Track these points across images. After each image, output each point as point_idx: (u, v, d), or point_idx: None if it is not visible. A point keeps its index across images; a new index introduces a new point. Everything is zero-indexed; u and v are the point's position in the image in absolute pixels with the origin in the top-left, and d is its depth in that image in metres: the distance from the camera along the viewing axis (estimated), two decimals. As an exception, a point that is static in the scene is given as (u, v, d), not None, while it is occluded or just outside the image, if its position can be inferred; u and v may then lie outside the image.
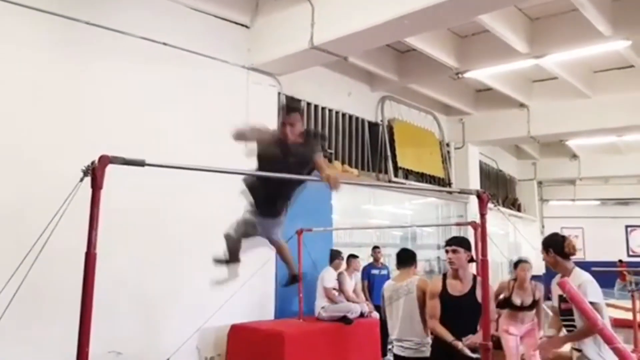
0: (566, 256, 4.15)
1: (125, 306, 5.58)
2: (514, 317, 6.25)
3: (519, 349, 6.23)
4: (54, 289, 4.79)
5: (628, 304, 7.87)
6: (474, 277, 4.32)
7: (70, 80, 5.57)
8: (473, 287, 4.23)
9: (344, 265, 7.56)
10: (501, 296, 6.28)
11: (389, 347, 5.78)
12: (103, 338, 4.75)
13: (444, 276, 4.42)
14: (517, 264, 6.46)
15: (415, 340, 4.59)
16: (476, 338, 4.03)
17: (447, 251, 4.39)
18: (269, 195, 4.05)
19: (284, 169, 3.66)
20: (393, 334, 4.89)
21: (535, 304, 6.26)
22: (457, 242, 4.38)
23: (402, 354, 4.71)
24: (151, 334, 5.82)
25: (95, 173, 2.47)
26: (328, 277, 7.00)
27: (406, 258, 5.10)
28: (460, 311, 4.22)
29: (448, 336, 4.20)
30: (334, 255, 7.25)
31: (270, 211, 4.23)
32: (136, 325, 5.70)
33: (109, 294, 4.77)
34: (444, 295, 4.31)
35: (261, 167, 3.90)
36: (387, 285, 5.13)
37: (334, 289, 7.00)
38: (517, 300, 6.20)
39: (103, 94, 5.79)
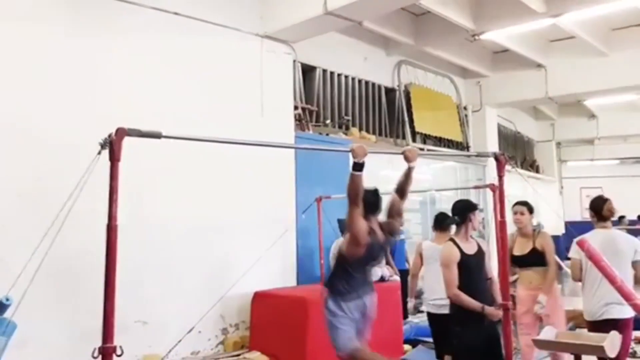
0: (603, 218, 4.59)
1: (150, 277, 5.67)
2: (522, 278, 5.28)
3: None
4: (78, 261, 4.88)
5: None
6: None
7: (84, 54, 5.57)
8: (479, 248, 4.42)
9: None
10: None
11: (417, 305, 5.94)
12: (128, 308, 4.87)
13: (453, 241, 4.43)
14: (513, 206, 5.37)
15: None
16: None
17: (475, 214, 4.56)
18: None
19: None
20: (427, 293, 5.42)
21: (535, 255, 5.12)
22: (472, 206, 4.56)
23: (436, 311, 5.21)
24: (176, 303, 5.93)
25: (112, 146, 2.50)
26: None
27: (443, 221, 5.50)
28: (477, 269, 4.38)
29: (473, 304, 4.24)
30: (342, 224, 7.18)
31: None
32: (161, 295, 5.80)
33: (133, 265, 4.87)
34: (463, 256, 4.33)
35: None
36: (426, 245, 5.58)
37: None
38: (517, 251, 5.23)
39: (116, 66, 5.79)
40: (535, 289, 5.08)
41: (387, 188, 10.08)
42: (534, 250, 5.07)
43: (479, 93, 12.21)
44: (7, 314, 2.78)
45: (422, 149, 10.43)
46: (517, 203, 5.31)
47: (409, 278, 6.13)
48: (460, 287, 4.26)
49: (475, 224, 4.41)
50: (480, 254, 4.34)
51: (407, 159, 4.19)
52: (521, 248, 5.19)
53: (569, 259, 4.87)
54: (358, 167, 3.81)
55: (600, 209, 4.63)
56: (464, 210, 4.46)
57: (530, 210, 5.19)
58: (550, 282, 5.08)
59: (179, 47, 6.35)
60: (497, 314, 4.21)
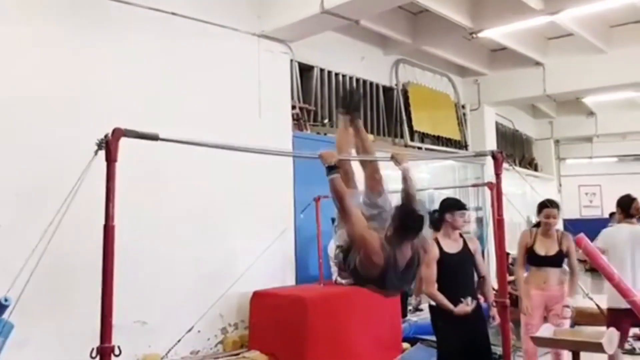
0: (629, 216, 5.02)
1: (149, 277, 5.67)
2: (537, 277, 5.14)
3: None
4: (76, 262, 4.89)
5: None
6: (460, 234, 4.53)
7: (82, 54, 5.57)
8: (465, 246, 4.45)
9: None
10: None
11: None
12: (127, 308, 4.86)
13: (436, 240, 4.49)
14: (542, 207, 5.25)
15: None
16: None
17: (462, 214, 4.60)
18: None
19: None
20: None
21: (561, 257, 5.12)
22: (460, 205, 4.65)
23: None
24: (175, 303, 5.93)
25: (109, 146, 2.50)
26: (332, 249, 6.96)
27: (436, 220, 5.50)
28: (458, 267, 4.43)
29: (445, 303, 4.37)
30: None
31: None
32: (160, 294, 5.80)
33: (132, 265, 4.88)
34: (442, 254, 4.44)
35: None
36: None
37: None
38: (540, 250, 5.11)
39: (113, 66, 5.78)
40: (547, 289, 5.01)
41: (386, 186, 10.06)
42: (560, 252, 5.02)
43: (477, 91, 12.21)
44: (4, 315, 2.77)
45: (420, 148, 10.45)
46: (548, 205, 5.11)
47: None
48: (440, 285, 4.31)
49: (457, 223, 4.45)
50: (464, 252, 4.34)
51: (396, 163, 3.85)
52: (546, 248, 5.11)
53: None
54: (330, 170, 3.48)
55: (628, 206, 5.18)
56: (442, 210, 4.58)
57: (559, 209, 5.22)
58: (575, 284, 5.10)
59: (175, 47, 6.34)
60: (465, 311, 4.24)
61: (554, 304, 5.00)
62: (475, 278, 4.59)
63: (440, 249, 4.41)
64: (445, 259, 4.38)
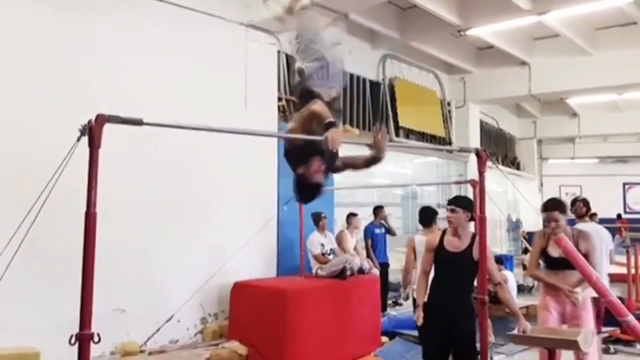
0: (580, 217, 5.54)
1: (129, 264, 5.64)
2: (556, 280, 4.57)
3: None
4: (56, 248, 4.85)
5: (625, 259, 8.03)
6: (473, 236, 4.35)
7: (67, 40, 5.51)
8: (470, 245, 4.28)
9: (343, 224, 7.61)
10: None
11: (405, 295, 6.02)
12: (107, 296, 4.83)
13: (443, 232, 4.48)
14: (542, 211, 4.80)
15: None
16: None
17: (447, 209, 4.45)
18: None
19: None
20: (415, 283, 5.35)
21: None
22: (456, 202, 4.43)
23: None
24: (155, 292, 5.91)
25: (92, 132, 2.47)
26: (314, 243, 6.97)
27: (428, 216, 5.78)
28: (455, 268, 4.32)
29: (419, 298, 4.46)
30: (317, 218, 7.19)
31: None
32: (140, 283, 5.78)
33: (112, 253, 4.83)
34: (440, 250, 4.39)
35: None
36: (418, 240, 5.69)
37: (324, 253, 6.96)
38: (553, 252, 4.60)
39: (99, 52, 5.73)
40: (563, 294, 4.55)
41: (368, 181, 10.14)
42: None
43: (463, 89, 12.28)
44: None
45: (404, 144, 10.49)
46: (546, 208, 4.66)
47: (403, 272, 6.20)
48: (434, 280, 4.39)
49: (447, 219, 4.44)
50: (465, 254, 4.29)
51: (376, 149, 3.62)
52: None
53: None
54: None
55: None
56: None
57: (563, 211, 4.64)
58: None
59: (162, 35, 6.29)
60: (417, 318, 4.39)
61: (572, 311, 4.52)
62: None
63: (441, 243, 4.40)
64: (442, 255, 4.38)
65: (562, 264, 4.45)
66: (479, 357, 4.17)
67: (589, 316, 4.48)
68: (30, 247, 2.85)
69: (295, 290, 6.17)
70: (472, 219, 4.43)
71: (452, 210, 4.35)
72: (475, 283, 4.25)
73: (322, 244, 6.97)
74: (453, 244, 4.36)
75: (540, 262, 4.76)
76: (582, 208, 6.18)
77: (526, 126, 17.56)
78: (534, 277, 4.87)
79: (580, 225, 5.57)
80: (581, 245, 4.52)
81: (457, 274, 4.31)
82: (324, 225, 7.16)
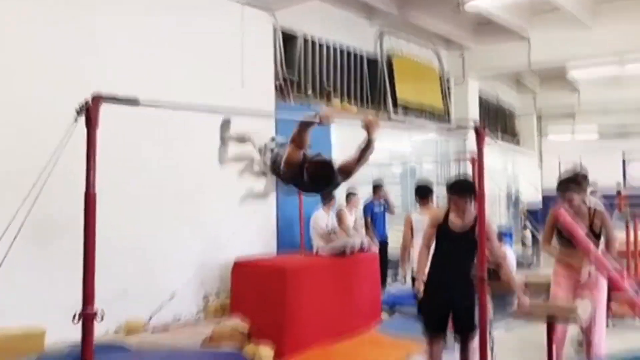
0: None
1: (131, 245, 5.67)
2: (565, 257, 4.61)
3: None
4: (58, 229, 4.86)
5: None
6: (476, 216, 4.33)
7: (63, 21, 5.46)
8: (473, 226, 4.29)
9: (342, 203, 7.62)
10: None
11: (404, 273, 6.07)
12: (110, 276, 4.87)
13: (448, 210, 4.50)
14: (559, 190, 4.69)
15: None
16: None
17: (451, 194, 4.45)
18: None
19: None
20: (414, 261, 5.40)
21: (593, 236, 4.47)
22: (464, 189, 4.43)
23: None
24: (157, 271, 5.95)
25: (89, 112, 2.46)
26: (318, 222, 7.00)
27: (424, 193, 5.92)
28: (458, 245, 4.37)
29: (420, 272, 4.51)
30: (325, 196, 7.19)
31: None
32: (142, 263, 5.82)
33: (113, 234, 4.86)
34: (444, 227, 4.43)
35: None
36: (415, 217, 5.81)
37: (330, 232, 6.99)
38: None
39: (95, 33, 5.69)
40: (578, 269, 4.51)
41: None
42: (591, 232, 4.46)
43: (462, 64, 12.22)
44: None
45: (403, 121, 10.47)
46: (563, 188, 4.57)
47: (401, 250, 6.22)
48: (435, 255, 4.45)
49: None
50: (467, 234, 4.33)
51: (368, 131, 3.62)
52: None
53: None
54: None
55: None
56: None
57: (578, 190, 4.57)
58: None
59: (158, 14, 6.23)
60: (418, 290, 4.44)
61: (585, 288, 4.48)
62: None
63: (445, 220, 4.45)
64: (444, 231, 4.44)
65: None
66: (478, 332, 4.22)
67: (600, 293, 4.47)
68: (32, 228, 2.87)
69: (295, 267, 6.21)
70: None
71: (468, 202, 4.35)
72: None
73: (326, 224, 7.00)
74: (457, 222, 4.41)
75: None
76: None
77: (526, 101, 17.50)
78: (545, 252, 4.82)
79: None
80: (596, 223, 4.47)
81: (459, 251, 4.37)
82: (332, 205, 7.17)
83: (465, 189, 4.41)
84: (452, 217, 4.42)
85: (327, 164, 3.68)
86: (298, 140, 3.73)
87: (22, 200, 2.73)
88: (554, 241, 4.73)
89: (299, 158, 3.73)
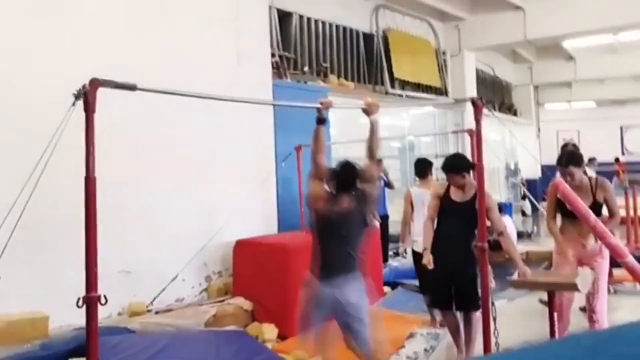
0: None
1: (133, 226, 5.68)
2: (569, 229, 4.60)
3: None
4: (59, 213, 4.86)
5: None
6: (477, 188, 4.41)
7: (58, 6, 5.39)
8: (474, 197, 4.33)
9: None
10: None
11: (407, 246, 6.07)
12: (112, 258, 4.91)
13: (449, 184, 4.59)
14: (566, 156, 4.64)
15: None
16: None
17: (448, 174, 4.52)
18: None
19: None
20: (414, 235, 5.60)
21: (595, 208, 4.36)
22: (459, 167, 4.50)
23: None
24: (159, 253, 5.96)
25: (87, 97, 2.46)
26: None
27: (423, 167, 5.86)
28: (459, 217, 4.44)
29: (426, 242, 4.58)
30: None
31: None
32: (144, 245, 5.82)
33: (115, 215, 4.87)
34: (446, 199, 4.54)
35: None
36: (414, 191, 5.82)
37: None
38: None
39: (89, 15, 5.62)
40: (582, 240, 4.52)
41: (366, 134, 10.08)
42: (594, 204, 4.41)
43: (458, 37, 12.14)
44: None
45: (400, 95, 10.42)
46: (562, 163, 4.52)
47: (401, 225, 6.24)
48: (437, 228, 4.59)
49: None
50: (465, 205, 4.38)
51: (367, 112, 3.77)
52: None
53: (545, 200, 4.95)
54: (321, 122, 3.77)
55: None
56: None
57: (578, 164, 4.54)
58: (611, 227, 4.44)
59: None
60: (428, 262, 4.48)
61: (589, 258, 4.50)
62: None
63: (447, 193, 4.52)
64: (444, 204, 4.53)
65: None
66: (481, 302, 4.26)
67: (604, 261, 4.49)
68: (33, 213, 2.87)
69: (297, 245, 6.22)
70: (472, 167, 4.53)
71: (463, 177, 4.44)
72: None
73: None
74: (458, 195, 4.49)
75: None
76: None
77: (522, 72, 17.44)
78: (549, 231, 4.74)
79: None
80: (599, 195, 4.46)
81: (460, 223, 4.44)
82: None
83: (456, 166, 4.50)
84: (453, 190, 4.51)
85: (347, 165, 3.66)
86: (316, 163, 3.70)
87: (22, 186, 2.74)
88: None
89: (323, 191, 3.64)
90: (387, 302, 6.77)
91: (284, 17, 8.46)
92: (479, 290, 4.27)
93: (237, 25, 6.99)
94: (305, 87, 8.28)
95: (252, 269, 6.22)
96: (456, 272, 4.39)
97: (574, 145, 6.33)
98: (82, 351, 4.26)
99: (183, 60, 6.25)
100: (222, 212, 6.39)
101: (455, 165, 4.53)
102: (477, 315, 4.41)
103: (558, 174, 4.67)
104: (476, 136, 3.58)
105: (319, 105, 3.66)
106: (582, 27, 10.95)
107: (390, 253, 8.52)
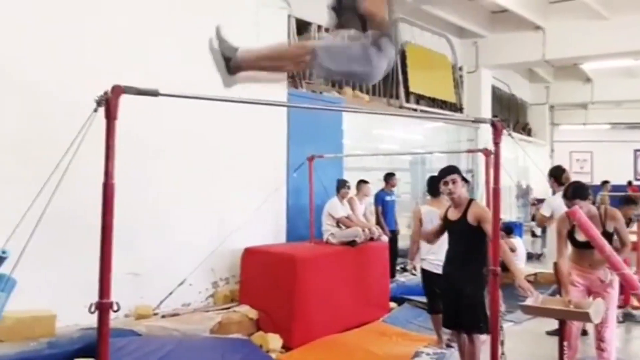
0: (562, 184, 5.27)
1: (142, 230, 5.67)
2: (580, 259, 4.51)
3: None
4: (72, 214, 4.86)
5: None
6: (469, 201, 4.47)
7: (81, 8, 5.42)
8: (465, 211, 4.38)
9: (353, 191, 7.61)
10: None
11: (418, 264, 6.04)
12: (121, 260, 4.87)
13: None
14: (572, 189, 4.52)
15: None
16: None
17: (446, 183, 4.47)
18: None
19: None
20: (424, 253, 5.60)
21: (607, 238, 4.25)
22: (450, 172, 4.53)
23: (432, 270, 5.37)
24: (168, 257, 5.96)
25: (109, 103, 2.46)
26: (336, 208, 7.00)
27: (436, 186, 5.60)
28: (455, 235, 4.52)
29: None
30: (341, 185, 7.23)
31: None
32: (153, 248, 5.82)
33: (126, 219, 4.84)
34: (445, 219, 4.61)
35: None
36: (425, 210, 5.76)
37: (346, 217, 7.01)
38: (580, 236, 4.39)
39: (111, 22, 5.63)
40: (591, 272, 4.44)
41: (379, 146, 10.05)
42: (604, 233, 4.29)
43: (475, 54, 12.12)
44: (6, 269, 2.77)
45: (415, 110, 10.41)
46: (569, 197, 4.41)
47: (410, 243, 6.22)
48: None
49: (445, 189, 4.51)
50: (459, 222, 4.40)
51: None
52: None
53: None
54: None
55: (559, 176, 5.94)
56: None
57: (584, 197, 4.41)
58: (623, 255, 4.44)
59: (173, 5, 6.19)
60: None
61: (600, 288, 4.40)
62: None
63: (446, 213, 4.59)
64: (446, 224, 4.60)
65: (590, 246, 4.28)
66: (484, 324, 4.23)
67: (614, 291, 4.42)
68: (48, 215, 2.87)
69: (305, 256, 6.22)
70: (464, 180, 4.56)
71: (453, 182, 4.42)
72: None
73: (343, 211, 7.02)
74: (453, 212, 4.52)
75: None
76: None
77: (538, 91, 17.36)
78: (559, 274, 4.56)
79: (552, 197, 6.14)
80: (609, 225, 4.37)
81: (456, 240, 4.50)
82: (345, 194, 7.17)
83: (451, 172, 4.52)
84: (450, 210, 4.57)
85: None
86: None
87: (40, 189, 2.74)
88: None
89: None
90: (393, 317, 6.75)
91: (302, 27, 8.48)
92: (480, 312, 4.25)
93: (257, 34, 7.00)
94: (320, 98, 8.28)
95: (259, 277, 6.21)
96: (458, 291, 4.38)
97: (558, 167, 6.55)
98: (88, 351, 4.30)
99: (202, 68, 6.24)
100: (232, 219, 6.39)
101: (455, 169, 4.63)
102: (480, 338, 4.39)
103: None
104: (495, 159, 3.54)
105: (335, 109, 3.54)
106: (602, 50, 10.89)
107: (398, 268, 8.48)
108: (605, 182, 13.04)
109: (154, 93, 2.66)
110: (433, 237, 4.83)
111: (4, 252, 2.72)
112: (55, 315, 4.86)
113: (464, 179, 4.54)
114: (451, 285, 4.45)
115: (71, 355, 4.46)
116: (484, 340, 4.36)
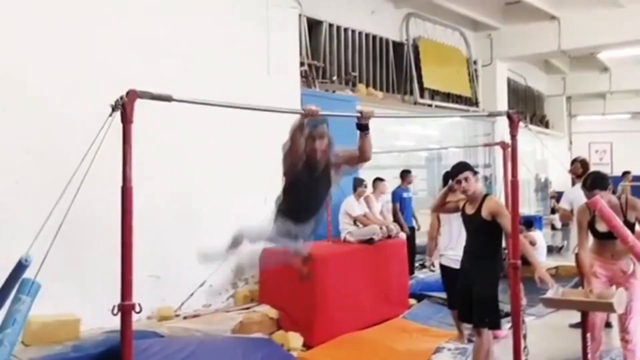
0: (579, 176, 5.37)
1: (163, 233, 5.71)
2: (601, 250, 4.46)
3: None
4: (93, 219, 4.91)
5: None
6: (484, 196, 4.45)
7: (95, 13, 5.48)
8: (480, 205, 4.35)
9: (369, 189, 7.60)
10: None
11: (436, 260, 6.01)
12: (143, 263, 4.92)
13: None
14: (591, 180, 4.43)
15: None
16: None
17: (459, 181, 4.41)
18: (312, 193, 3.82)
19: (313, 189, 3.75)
20: (442, 249, 5.61)
21: (629, 227, 4.15)
22: (463, 169, 4.44)
23: (451, 265, 5.32)
24: (188, 258, 5.99)
25: (124, 108, 2.50)
26: (352, 207, 7.01)
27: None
28: (470, 230, 4.52)
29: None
30: (357, 184, 7.23)
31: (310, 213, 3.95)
32: (174, 250, 5.86)
33: (146, 221, 4.90)
34: (462, 214, 4.57)
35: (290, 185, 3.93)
36: None
37: (363, 215, 7.02)
38: (601, 227, 4.32)
39: (120, 26, 5.69)
40: (613, 263, 4.39)
41: (393, 143, 10.00)
42: (626, 223, 4.17)
43: (490, 46, 12.02)
44: (29, 274, 2.82)
45: (430, 105, 10.37)
46: (588, 187, 4.32)
47: (427, 240, 6.20)
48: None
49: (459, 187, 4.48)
50: (475, 216, 4.37)
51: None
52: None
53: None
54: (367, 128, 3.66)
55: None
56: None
57: (604, 188, 4.30)
58: None
59: (184, 4, 6.23)
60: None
61: (622, 279, 4.34)
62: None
63: (463, 208, 4.54)
64: (463, 218, 4.59)
65: (611, 236, 4.20)
66: (490, 320, 4.23)
67: (637, 282, 4.32)
68: (68, 219, 2.91)
69: (324, 254, 6.22)
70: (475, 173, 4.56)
71: (466, 179, 4.36)
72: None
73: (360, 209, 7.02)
74: (469, 207, 4.49)
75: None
76: (579, 168, 6.16)
77: (555, 83, 17.17)
78: (581, 265, 4.47)
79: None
80: (630, 215, 4.30)
81: (471, 235, 4.51)
82: (362, 193, 7.18)
83: (464, 169, 4.45)
84: (467, 204, 4.52)
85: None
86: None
87: (60, 194, 2.78)
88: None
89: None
90: (413, 314, 6.73)
91: (313, 26, 8.48)
92: (489, 307, 4.23)
93: (268, 34, 7.02)
94: (334, 97, 8.28)
95: (278, 276, 6.22)
96: (467, 285, 4.38)
97: (583, 160, 6.30)
98: (112, 353, 4.35)
99: (214, 70, 6.29)
100: (251, 219, 6.41)
101: (467, 165, 4.55)
102: (489, 333, 4.37)
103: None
104: (512, 151, 3.52)
105: (357, 115, 3.63)
106: (619, 38, 10.73)
107: (417, 265, 8.46)
108: (626, 173, 12.86)
109: (167, 98, 2.70)
110: (440, 208, 4.91)
111: (26, 260, 2.77)
112: (79, 319, 4.91)
113: (475, 172, 4.54)
114: (465, 279, 4.46)
115: (96, 357, 4.50)
116: (505, 335, 4.33)
